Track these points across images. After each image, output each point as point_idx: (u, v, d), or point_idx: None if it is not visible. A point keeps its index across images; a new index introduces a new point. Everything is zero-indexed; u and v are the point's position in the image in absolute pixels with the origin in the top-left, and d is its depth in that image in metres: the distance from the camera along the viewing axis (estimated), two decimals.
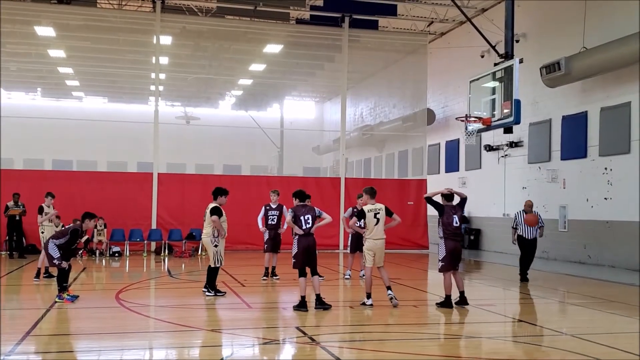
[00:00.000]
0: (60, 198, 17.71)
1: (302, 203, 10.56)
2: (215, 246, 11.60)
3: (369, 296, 10.60)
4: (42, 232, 13.56)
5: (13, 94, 33.88)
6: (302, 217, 10.30)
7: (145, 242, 20.52)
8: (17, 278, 14.90)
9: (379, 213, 10.60)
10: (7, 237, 19.28)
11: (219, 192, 11.82)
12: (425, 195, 11.49)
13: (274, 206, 14.15)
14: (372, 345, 8.17)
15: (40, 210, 13.67)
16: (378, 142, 31.53)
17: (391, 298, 10.54)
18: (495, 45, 16.45)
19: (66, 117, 29.02)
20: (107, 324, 9.24)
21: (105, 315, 9.94)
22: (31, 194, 18.37)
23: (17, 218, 18.25)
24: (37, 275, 13.54)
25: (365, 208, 10.68)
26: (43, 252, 13.61)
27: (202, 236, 12.01)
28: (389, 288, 10.65)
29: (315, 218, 10.47)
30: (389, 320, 9.82)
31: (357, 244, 14.43)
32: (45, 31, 21.95)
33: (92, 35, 23.19)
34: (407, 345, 8.28)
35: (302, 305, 10.10)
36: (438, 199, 11.06)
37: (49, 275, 13.78)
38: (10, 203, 18.45)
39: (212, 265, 11.65)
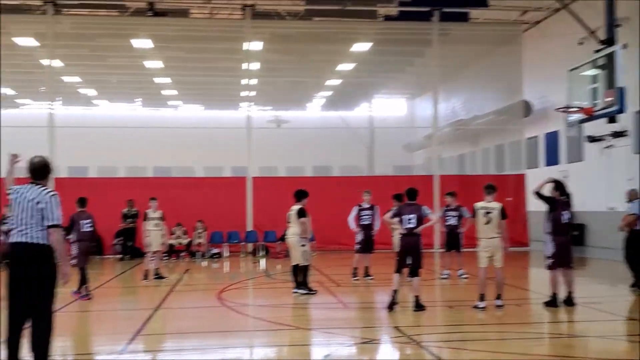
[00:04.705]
0: (162, 204, 18.45)
1: (410, 202, 10.31)
2: (303, 245, 11.82)
3: (481, 298, 10.00)
4: (147, 237, 14.13)
5: (115, 104, 35.59)
6: (404, 216, 10.08)
7: (243, 243, 21.06)
8: (127, 280, 15.64)
9: (491, 212, 9.99)
10: (115, 241, 20.28)
11: (304, 194, 12.06)
12: (534, 190, 10.79)
13: (366, 206, 14.08)
14: (473, 345, 7.97)
15: (145, 216, 14.29)
16: (472, 136, 30.77)
17: (498, 306, 9.96)
18: (594, 32, 15.66)
19: (164, 126, 30.16)
20: (210, 322, 9.52)
21: (208, 315, 10.24)
22: (135, 200, 19.29)
23: (132, 225, 19.18)
24: (146, 277, 14.12)
25: (478, 205, 10.16)
26: (149, 254, 14.24)
27: (287, 236, 12.22)
28: (498, 297, 10.03)
29: (422, 218, 10.11)
30: (490, 319, 9.53)
31: (452, 242, 14.19)
32: (142, 43, 22.89)
33: (186, 45, 23.97)
34: (510, 344, 8.02)
35: (392, 302, 9.91)
36: (546, 191, 10.58)
37: (158, 277, 14.31)
38: (126, 209, 19.40)
39: (301, 264, 11.84)
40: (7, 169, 6.69)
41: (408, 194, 10.39)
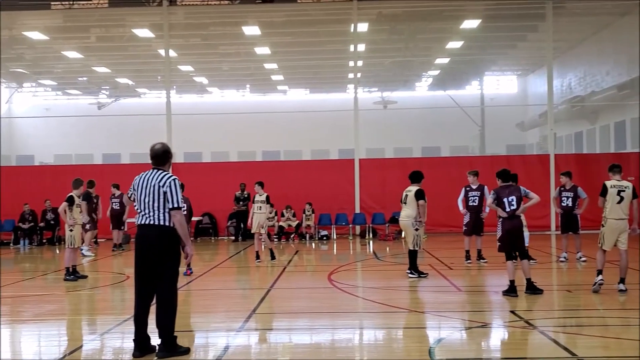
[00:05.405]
0: (271, 187, 18.95)
1: (506, 183, 10.11)
2: (416, 229, 11.71)
3: (599, 273, 9.67)
4: (251, 219, 14.56)
5: (225, 92, 36.74)
6: (505, 199, 9.87)
7: (350, 226, 21.21)
8: (240, 260, 16.23)
9: (624, 191, 9.62)
10: (228, 224, 21.07)
11: (421, 176, 12.00)
12: None
13: (474, 187, 13.78)
14: (592, 330, 7.64)
15: (252, 199, 14.74)
16: (590, 113, 29.20)
17: (621, 290, 9.59)
18: None
19: (272, 111, 30.81)
20: (321, 303, 9.69)
21: (319, 296, 10.43)
22: (247, 183, 19.91)
23: (244, 208, 19.80)
24: (258, 257, 14.56)
25: (608, 183, 9.74)
26: (256, 236, 14.64)
27: (400, 218, 12.12)
28: (622, 281, 9.65)
29: (521, 199, 9.93)
30: (612, 304, 9.08)
31: (568, 224, 13.58)
32: (251, 30, 23.43)
33: (294, 30, 24.30)
34: (632, 331, 7.59)
35: (511, 290, 9.67)
36: None
37: (272, 257, 14.71)
38: (238, 192, 20.10)
39: (412, 248, 11.76)
40: None
41: (502, 175, 10.14)
